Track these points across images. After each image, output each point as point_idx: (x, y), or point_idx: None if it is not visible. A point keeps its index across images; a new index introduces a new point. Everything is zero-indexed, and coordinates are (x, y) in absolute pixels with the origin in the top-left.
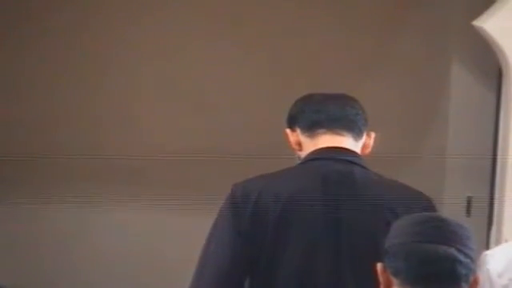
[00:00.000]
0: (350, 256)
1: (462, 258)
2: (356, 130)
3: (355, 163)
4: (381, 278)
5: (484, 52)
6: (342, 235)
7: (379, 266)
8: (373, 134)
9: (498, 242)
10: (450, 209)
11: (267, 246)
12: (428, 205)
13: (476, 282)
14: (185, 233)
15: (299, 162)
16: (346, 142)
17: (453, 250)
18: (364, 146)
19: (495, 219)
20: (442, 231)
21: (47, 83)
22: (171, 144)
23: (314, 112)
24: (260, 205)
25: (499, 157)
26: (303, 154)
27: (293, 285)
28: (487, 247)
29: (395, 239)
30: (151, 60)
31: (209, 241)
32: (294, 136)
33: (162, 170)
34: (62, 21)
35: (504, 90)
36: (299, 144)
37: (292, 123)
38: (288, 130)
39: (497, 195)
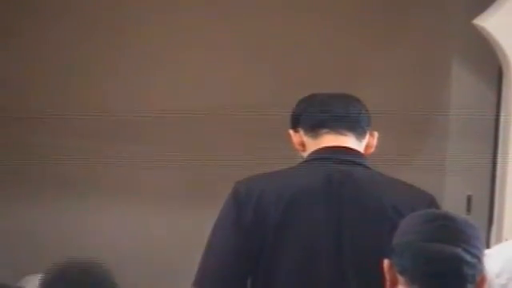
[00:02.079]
0: (353, 255)
1: (468, 258)
2: (359, 130)
3: (358, 163)
4: (387, 275)
5: (484, 52)
6: (346, 234)
7: (386, 262)
8: (376, 134)
9: (498, 241)
10: (450, 208)
11: (269, 245)
12: (431, 203)
13: (483, 281)
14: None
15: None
16: (349, 141)
17: (459, 250)
18: (367, 146)
19: (495, 218)
20: (450, 230)
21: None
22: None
23: (317, 112)
24: (262, 203)
25: (499, 156)
26: (306, 154)
27: (294, 284)
28: (487, 246)
29: (403, 237)
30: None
31: (211, 238)
32: (297, 136)
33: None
34: None
35: (504, 89)
36: (302, 144)
37: (295, 124)
38: (291, 131)
39: (497, 194)
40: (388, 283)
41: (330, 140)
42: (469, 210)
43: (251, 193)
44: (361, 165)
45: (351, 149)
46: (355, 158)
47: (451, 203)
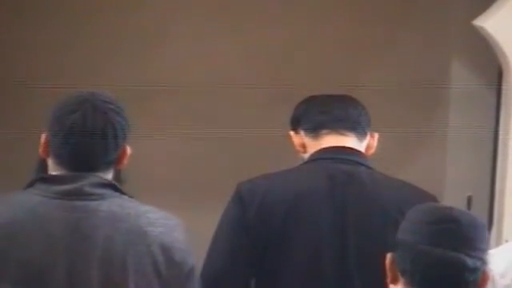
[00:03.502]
0: (357, 256)
1: (470, 263)
2: (359, 130)
3: (360, 163)
4: (389, 271)
5: (484, 52)
6: (349, 235)
7: (389, 257)
8: (376, 135)
9: (498, 242)
10: None
11: (273, 245)
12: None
13: (485, 279)
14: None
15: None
16: (350, 141)
17: (462, 256)
18: (368, 147)
19: (495, 219)
20: (453, 235)
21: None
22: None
23: (318, 113)
24: (266, 204)
25: (499, 156)
26: (307, 155)
27: (299, 285)
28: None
29: (406, 235)
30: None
31: (215, 239)
32: (298, 138)
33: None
34: None
35: (504, 89)
36: (303, 146)
37: (296, 125)
38: (292, 132)
39: (497, 195)
40: (389, 279)
41: (330, 140)
42: (469, 210)
43: (254, 193)
44: (363, 165)
45: (353, 149)
46: (357, 158)
47: (451, 204)
